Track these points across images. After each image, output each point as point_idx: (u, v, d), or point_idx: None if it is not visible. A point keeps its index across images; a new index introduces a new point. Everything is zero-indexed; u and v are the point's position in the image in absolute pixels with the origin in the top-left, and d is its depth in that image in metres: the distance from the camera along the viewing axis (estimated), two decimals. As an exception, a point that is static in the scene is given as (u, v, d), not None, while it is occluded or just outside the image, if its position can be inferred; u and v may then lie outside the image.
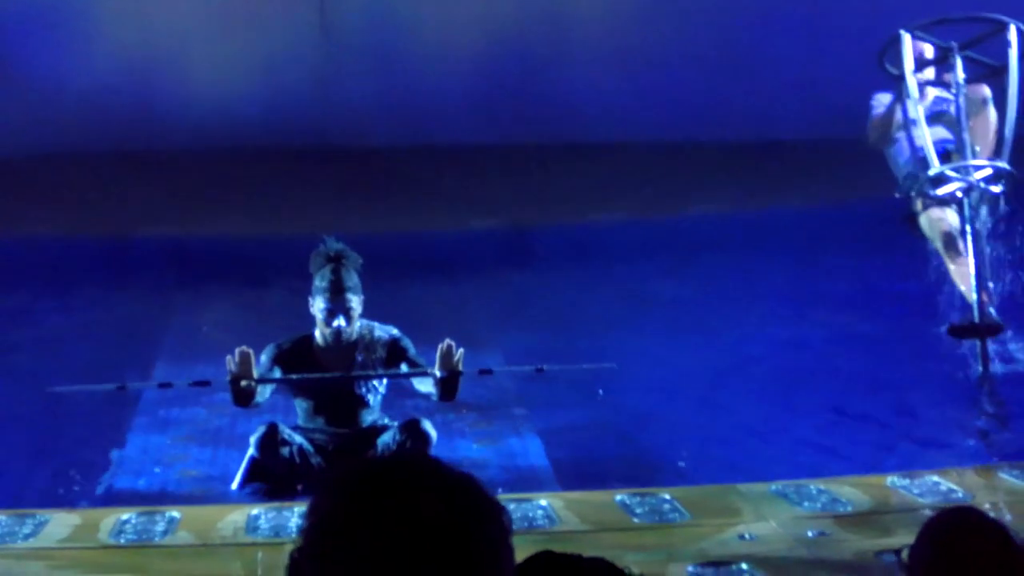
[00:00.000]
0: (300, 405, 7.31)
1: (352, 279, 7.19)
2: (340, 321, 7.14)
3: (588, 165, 14.50)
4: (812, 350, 9.32)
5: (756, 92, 15.56)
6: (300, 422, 7.30)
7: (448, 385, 7.04)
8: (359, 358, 7.25)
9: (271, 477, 7.11)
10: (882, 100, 9.32)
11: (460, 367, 7.00)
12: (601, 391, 8.33)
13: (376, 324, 7.37)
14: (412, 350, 7.29)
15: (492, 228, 12.17)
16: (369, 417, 7.31)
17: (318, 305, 7.18)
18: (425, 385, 7.16)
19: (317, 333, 7.28)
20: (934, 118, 9.08)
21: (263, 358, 7.18)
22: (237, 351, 6.95)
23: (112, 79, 15.22)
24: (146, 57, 15.32)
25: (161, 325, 10.20)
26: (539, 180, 13.99)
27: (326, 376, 7.17)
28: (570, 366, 7.89)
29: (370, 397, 7.29)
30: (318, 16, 15.41)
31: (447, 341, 7.03)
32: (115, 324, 10.20)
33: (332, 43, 15.43)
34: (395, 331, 7.35)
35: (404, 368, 7.20)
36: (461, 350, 7.01)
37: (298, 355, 7.23)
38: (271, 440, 7.07)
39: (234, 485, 7.18)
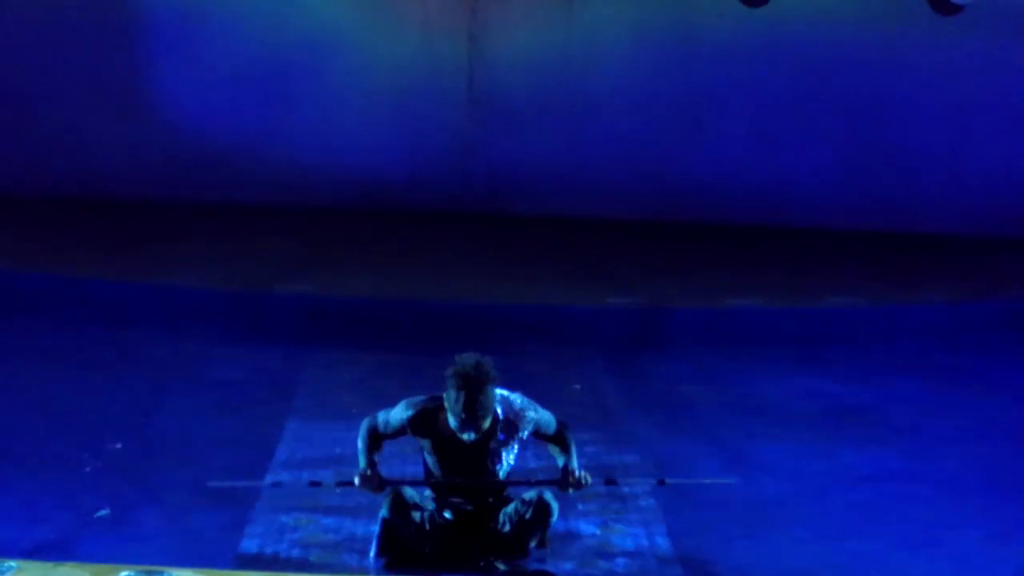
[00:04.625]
0: (429, 460, 7.31)
1: (487, 401, 7.02)
2: (470, 436, 7.12)
3: (727, 247, 14.46)
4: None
5: (898, 183, 15.46)
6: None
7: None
8: (501, 436, 7.21)
9: (400, 541, 7.13)
10: None
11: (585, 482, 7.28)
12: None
13: (508, 396, 7.26)
14: (552, 427, 7.33)
15: (628, 306, 12.09)
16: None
17: (450, 415, 7.08)
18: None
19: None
20: None
21: (395, 414, 7.22)
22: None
23: (258, 135, 15.43)
24: (293, 115, 15.51)
25: (292, 382, 10.27)
26: (678, 260, 13.99)
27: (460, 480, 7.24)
28: (690, 480, 8.10)
29: (499, 469, 7.27)
30: (466, 87, 15.50)
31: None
32: (248, 378, 10.31)
33: (478, 112, 15.52)
34: (530, 412, 7.30)
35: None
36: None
37: (431, 423, 7.18)
38: (400, 503, 7.11)
39: (372, 553, 7.19)
